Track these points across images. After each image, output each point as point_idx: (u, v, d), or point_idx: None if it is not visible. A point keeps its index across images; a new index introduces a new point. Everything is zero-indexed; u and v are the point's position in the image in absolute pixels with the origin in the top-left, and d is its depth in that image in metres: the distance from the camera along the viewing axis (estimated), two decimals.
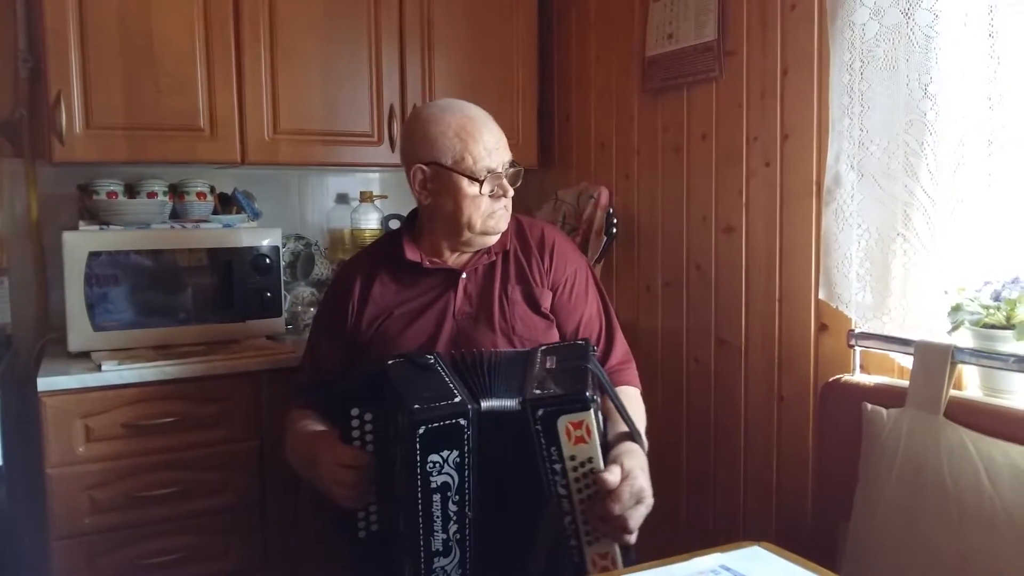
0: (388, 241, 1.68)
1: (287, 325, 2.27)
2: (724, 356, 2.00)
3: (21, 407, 2.06)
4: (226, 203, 2.41)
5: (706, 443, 2.05)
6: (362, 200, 2.56)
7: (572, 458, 1.21)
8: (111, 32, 2.01)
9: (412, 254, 1.58)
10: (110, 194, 2.18)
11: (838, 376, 1.65)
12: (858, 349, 1.64)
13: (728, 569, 1.07)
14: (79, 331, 1.98)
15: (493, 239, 1.59)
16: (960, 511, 1.32)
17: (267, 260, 2.17)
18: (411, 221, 1.67)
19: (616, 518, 1.21)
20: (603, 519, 1.22)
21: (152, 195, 2.22)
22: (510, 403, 1.28)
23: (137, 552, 1.88)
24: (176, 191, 2.28)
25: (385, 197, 2.64)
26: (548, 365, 1.31)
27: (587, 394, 1.21)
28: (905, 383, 1.48)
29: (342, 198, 2.67)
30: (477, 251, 1.60)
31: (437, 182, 1.54)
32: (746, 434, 1.94)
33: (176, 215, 2.27)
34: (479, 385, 1.31)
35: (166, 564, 1.90)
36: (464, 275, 1.57)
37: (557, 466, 1.22)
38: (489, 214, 1.54)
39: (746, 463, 1.95)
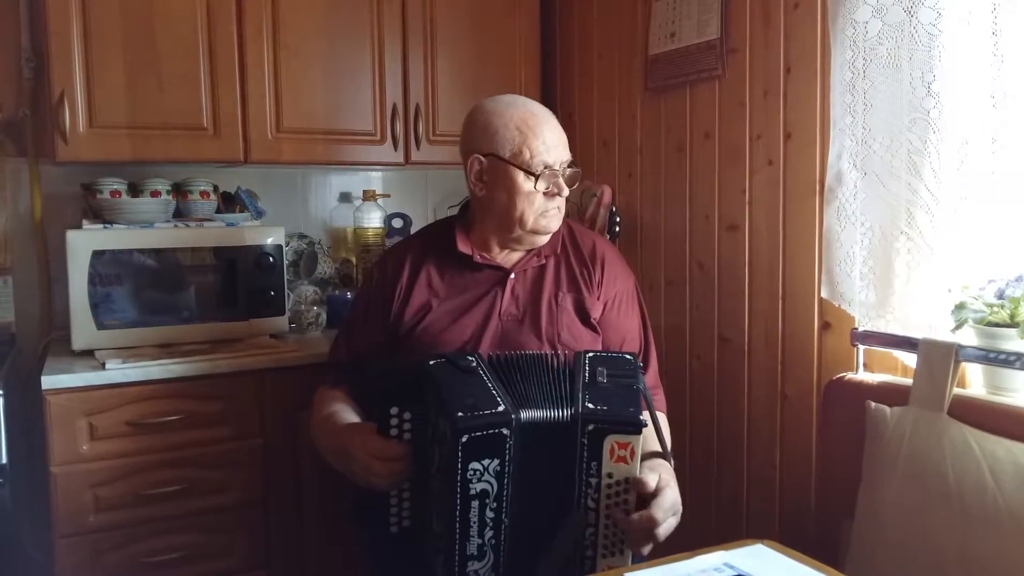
0: (439, 230, 1.66)
1: (290, 324, 2.27)
2: (727, 355, 2.00)
3: (25, 405, 2.07)
4: (229, 202, 2.41)
5: (709, 441, 2.05)
6: (365, 199, 2.57)
7: (609, 475, 1.23)
8: (114, 31, 2.02)
9: (464, 246, 1.57)
10: (114, 193, 2.18)
11: (841, 374, 1.65)
12: (861, 347, 1.64)
13: (732, 567, 1.07)
14: (83, 329, 1.98)
15: (543, 239, 1.57)
16: (964, 509, 1.31)
17: (270, 259, 2.17)
18: (463, 214, 1.65)
19: (651, 524, 1.21)
20: (636, 523, 1.22)
21: (156, 194, 2.22)
22: (554, 413, 1.26)
23: (141, 550, 1.89)
24: (179, 190, 2.29)
25: (388, 196, 2.65)
26: (600, 378, 1.29)
27: (640, 419, 1.22)
28: (908, 381, 1.48)
29: (345, 197, 2.67)
30: (527, 251, 1.59)
31: (493, 174, 1.52)
32: (749, 432, 1.94)
33: (179, 214, 2.27)
34: (519, 391, 1.29)
35: (170, 562, 1.91)
36: (513, 275, 1.56)
37: (593, 480, 1.23)
38: (542, 212, 1.52)
39: (749, 461, 1.95)
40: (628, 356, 1.41)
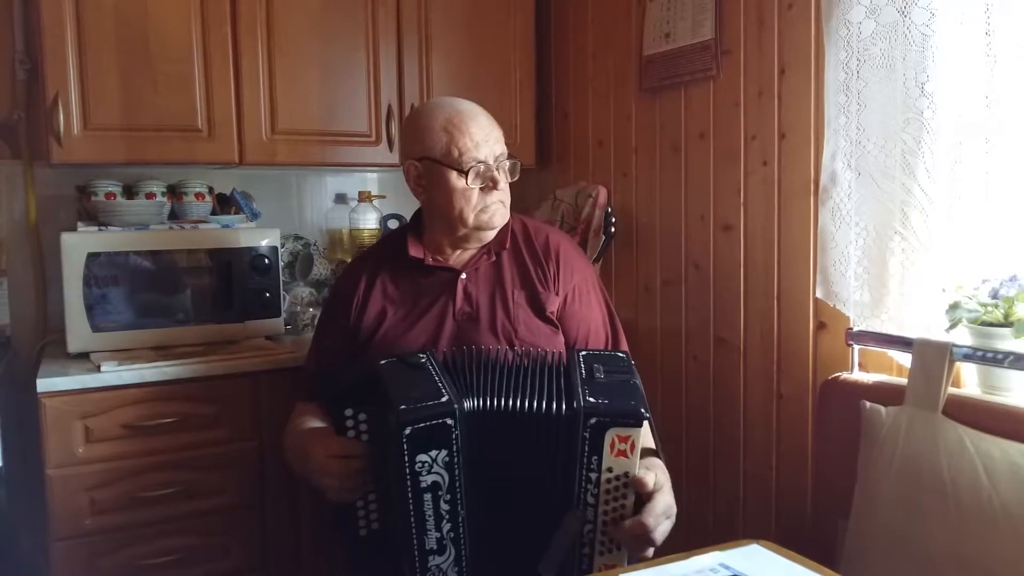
0: (392, 239, 1.69)
1: (286, 325, 2.27)
2: (723, 355, 2.00)
3: (21, 408, 2.06)
4: (224, 203, 2.41)
5: (705, 441, 2.06)
6: (360, 200, 2.56)
7: (609, 470, 1.22)
8: (108, 33, 2.01)
9: (415, 251, 1.58)
10: (108, 195, 2.18)
11: (836, 374, 1.65)
12: (856, 347, 1.64)
13: (727, 567, 1.07)
14: (78, 332, 1.98)
15: (489, 234, 1.58)
16: (958, 509, 1.32)
17: (266, 260, 2.17)
18: (415, 221, 1.67)
19: (644, 531, 1.22)
20: (628, 530, 1.23)
21: (150, 196, 2.22)
22: (543, 406, 1.27)
23: (137, 553, 1.88)
24: (174, 192, 2.28)
25: (383, 197, 2.64)
26: (598, 375, 1.30)
27: (642, 411, 1.22)
28: (903, 381, 1.48)
29: (340, 198, 2.67)
30: (478, 250, 1.60)
31: (428, 177, 1.54)
32: (745, 432, 1.94)
33: (175, 216, 2.27)
34: (480, 383, 1.31)
35: (166, 565, 1.90)
36: (464, 275, 1.57)
37: (593, 475, 1.22)
38: (481, 208, 1.53)
39: (745, 461, 1.95)
40: (622, 355, 1.43)
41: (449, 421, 1.21)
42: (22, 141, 2.24)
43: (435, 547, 1.23)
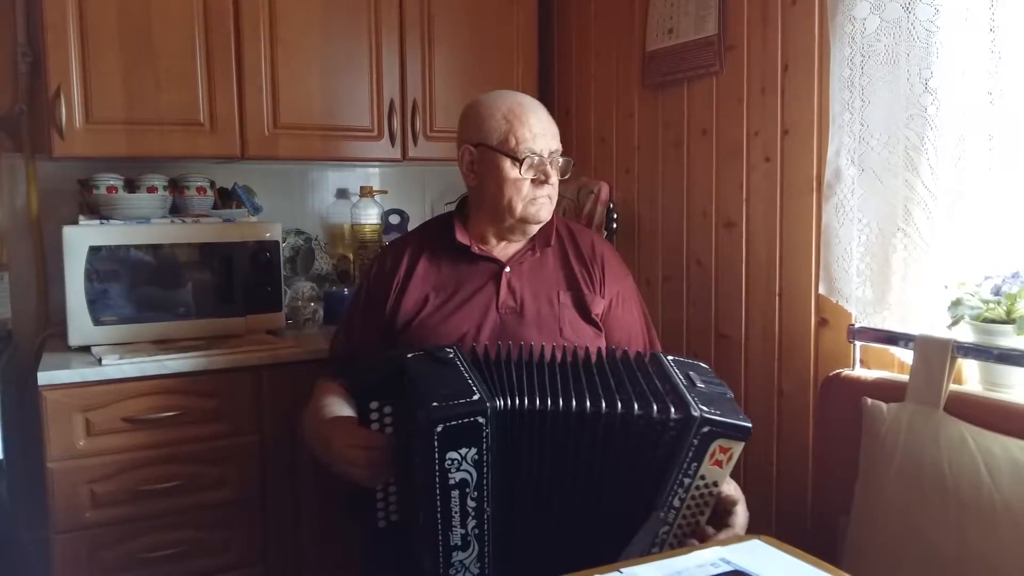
0: (436, 224, 1.69)
1: (287, 320, 2.27)
2: (724, 350, 2.00)
3: (22, 401, 2.06)
4: (226, 198, 2.40)
5: None
6: (362, 195, 2.56)
7: (703, 477, 1.24)
8: (111, 27, 2.01)
9: (463, 237, 1.59)
10: (110, 189, 2.18)
11: (838, 371, 1.65)
12: (858, 344, 1.64)
13: (728, 562, 1.07)
14: (79, 325, 1.98)
15: (534, 228, 1.59)
16: (959, 505, 1.32)
17: (267, 255, 2.16)
18: (461, 207, 1.67)
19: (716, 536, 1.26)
20: (707, 538, 1.26)
21: (152, 190, 2.21)
22: (615, 406, 1.24)
23: (138, 546, 1.88)
24: (176, 186, 2.28)
25: (385, 192, 2.64)
26: (699, 384, 1.30)
27: (749, 427, 1.24)
28: (905, 378, 1.48)
29: (342, 193, 2.67)
30: (523, 244, 1.60)
31: (482, 163, 1.55)
32: None
33: (176, 210, 2.26)
34: (515, 382, 1.28)
35: (167, 558, 1.91)
36: (508, 268, 1.57)
37: (687, 480, 1.24)
38: (531, 199, 1.53)
39: (746, 457, 1.94)
40: (704, 365, 1.41)
41: (480, 420, 1.21)
42: (24, 134, 2.24)
43: (459, 543, 1.23)
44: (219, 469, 1.96)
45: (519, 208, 1.53)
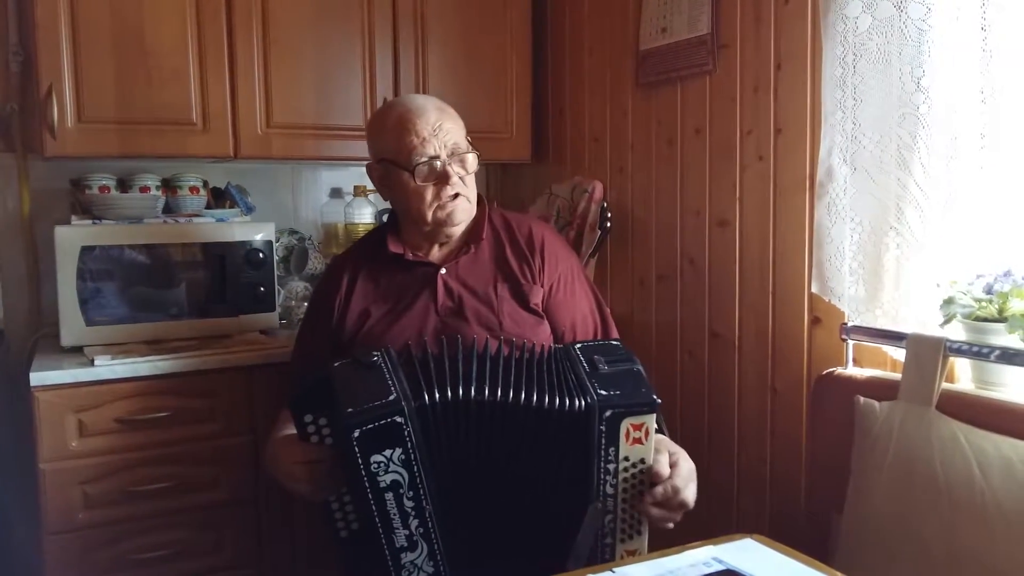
0: (371, 238, 1.69)
1: (281, 320, 2.27)
2: (718, 349, 2.00)
3: (14, 402, 2.05)
4: (219, 197, 2.40)
5: (699, 436, 2.06)
6: (356, 194, 2.56)
7: (626, 459, 1.24)
8: (102, 26, 2.00)
9: (395, 247, 1.58)
10: (102, 188, 2.17)
11: (831, 369, 1.65)
12: (851, 342, 1.64)
13: (720, 561, 1.07)
14: (72, 326, 1.97)
15: (455, 230, 1.57)
16: (951, 503, 1.32)
17: (260, 254, 2.16)
18: (393, 219, 1.67)
19: (675, 493, 1.25)
20: (661, 496, 1.25)
21: (145, 189, 2.21)
22: (529, 398, 1.26)
23: (131, 547, 1.88)
24: (169, 185, 2.28)
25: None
26: (601, 366, 1.30)
27: (653, 397, 1.24)
28: (897, 376, 1.48)
29: (336, 192, 2.66)
30: (456, 244, 1.60)
31: (388, 178, 1.56)
32: (739, 427, 1.95)
33: (169, 209, 2.26)
34: (457, 377, 1.28)
35: (160, 559, 1.90)
36: (443, 270, 1.57)
37: (611, 466, 1.24)
38: (437, 205, 1.52)
39: (739, 456, 1.95)
40: (616, 342, 1.43)
41: (399, 419, 1.21)
42: (15, 134, 2.23)
43: (405, 544, 1.23)
44: (212, 470, 1.96)
45: (429, 215, 1.52)
